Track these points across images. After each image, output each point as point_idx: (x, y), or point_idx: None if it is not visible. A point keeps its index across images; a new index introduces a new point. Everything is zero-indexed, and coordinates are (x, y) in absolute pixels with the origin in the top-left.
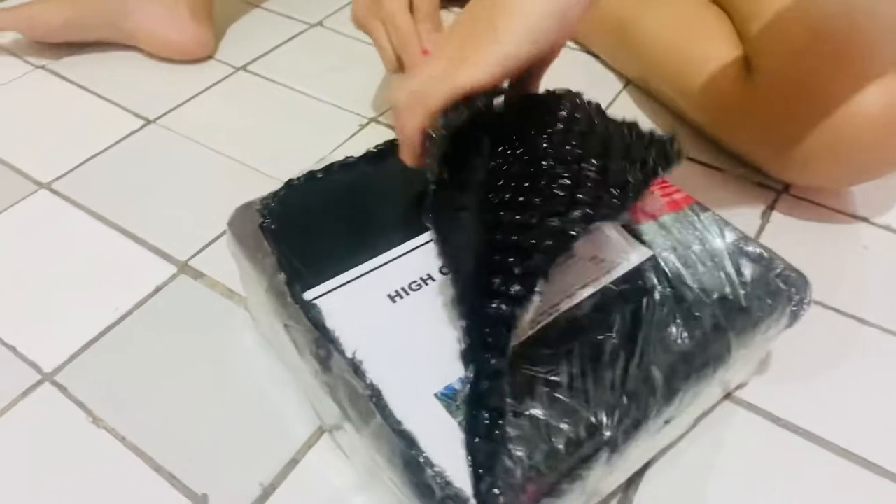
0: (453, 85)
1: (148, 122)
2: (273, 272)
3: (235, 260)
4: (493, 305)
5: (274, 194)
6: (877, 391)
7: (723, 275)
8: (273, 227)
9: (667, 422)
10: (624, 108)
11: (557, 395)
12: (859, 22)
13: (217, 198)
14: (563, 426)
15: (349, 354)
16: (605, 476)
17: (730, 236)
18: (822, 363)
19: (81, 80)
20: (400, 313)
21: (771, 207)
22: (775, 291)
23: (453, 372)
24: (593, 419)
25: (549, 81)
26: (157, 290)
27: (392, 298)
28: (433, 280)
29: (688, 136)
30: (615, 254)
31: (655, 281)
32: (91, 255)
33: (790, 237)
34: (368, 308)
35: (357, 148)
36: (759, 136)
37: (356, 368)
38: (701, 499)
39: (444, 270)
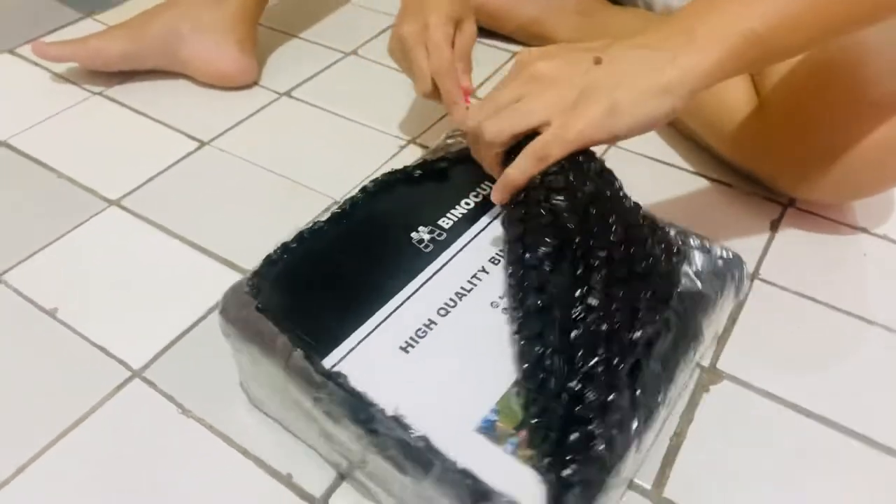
0: (572, 147)
1: (202, 143)
2: (288, 351)
3: (235, 347)
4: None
5: (258, 273)
6: (884, 382)
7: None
8: (270, 305)
9: (665, 405)
10: None
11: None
12: (852, 56)
13: (274, 212)
14: (599, 430)
15: (390, 412)
16: (633, 466)
17: (673, 231)
18: (834, 359)
19: (137, 106)
20: (415, 362)
21: (778, 220)
22: (721, 273)
23: (483, 405)
24: (619, 416)
25: None
26: None
27: (404, 350)
28: (435, 324)
29: (702, 154)
30: None
31: None
32: (163, 265)
33: (797, 246)
34: (386, 363)
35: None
36: (768, 158)
37: (402, 423)
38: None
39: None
